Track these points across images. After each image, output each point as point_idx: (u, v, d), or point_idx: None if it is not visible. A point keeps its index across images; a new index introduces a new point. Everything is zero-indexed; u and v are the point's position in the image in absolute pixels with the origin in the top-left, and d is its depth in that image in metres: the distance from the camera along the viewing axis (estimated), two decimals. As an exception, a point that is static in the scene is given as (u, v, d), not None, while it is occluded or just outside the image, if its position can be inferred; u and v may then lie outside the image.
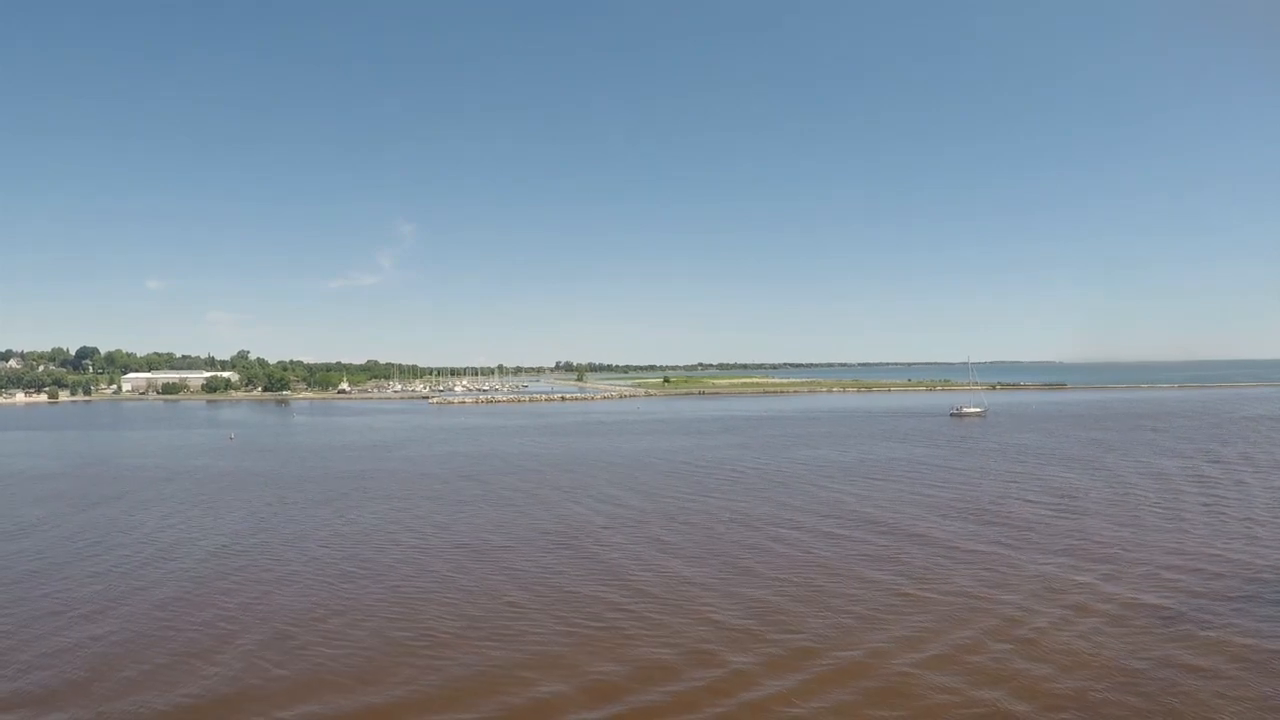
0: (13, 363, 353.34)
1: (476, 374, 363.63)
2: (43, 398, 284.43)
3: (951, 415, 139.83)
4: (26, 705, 25.11)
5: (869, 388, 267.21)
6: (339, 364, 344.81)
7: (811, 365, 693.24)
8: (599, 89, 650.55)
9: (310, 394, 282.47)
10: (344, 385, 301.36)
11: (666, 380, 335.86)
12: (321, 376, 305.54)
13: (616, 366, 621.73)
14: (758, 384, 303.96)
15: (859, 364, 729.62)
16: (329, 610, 33.67)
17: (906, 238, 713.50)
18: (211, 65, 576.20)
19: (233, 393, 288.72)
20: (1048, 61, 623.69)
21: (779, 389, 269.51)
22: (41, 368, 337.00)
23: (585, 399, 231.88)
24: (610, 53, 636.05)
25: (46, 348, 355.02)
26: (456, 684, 25.95)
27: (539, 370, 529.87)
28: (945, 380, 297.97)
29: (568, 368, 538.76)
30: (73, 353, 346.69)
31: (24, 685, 26.61)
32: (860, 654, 27.83)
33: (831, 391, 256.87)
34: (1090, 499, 57.34)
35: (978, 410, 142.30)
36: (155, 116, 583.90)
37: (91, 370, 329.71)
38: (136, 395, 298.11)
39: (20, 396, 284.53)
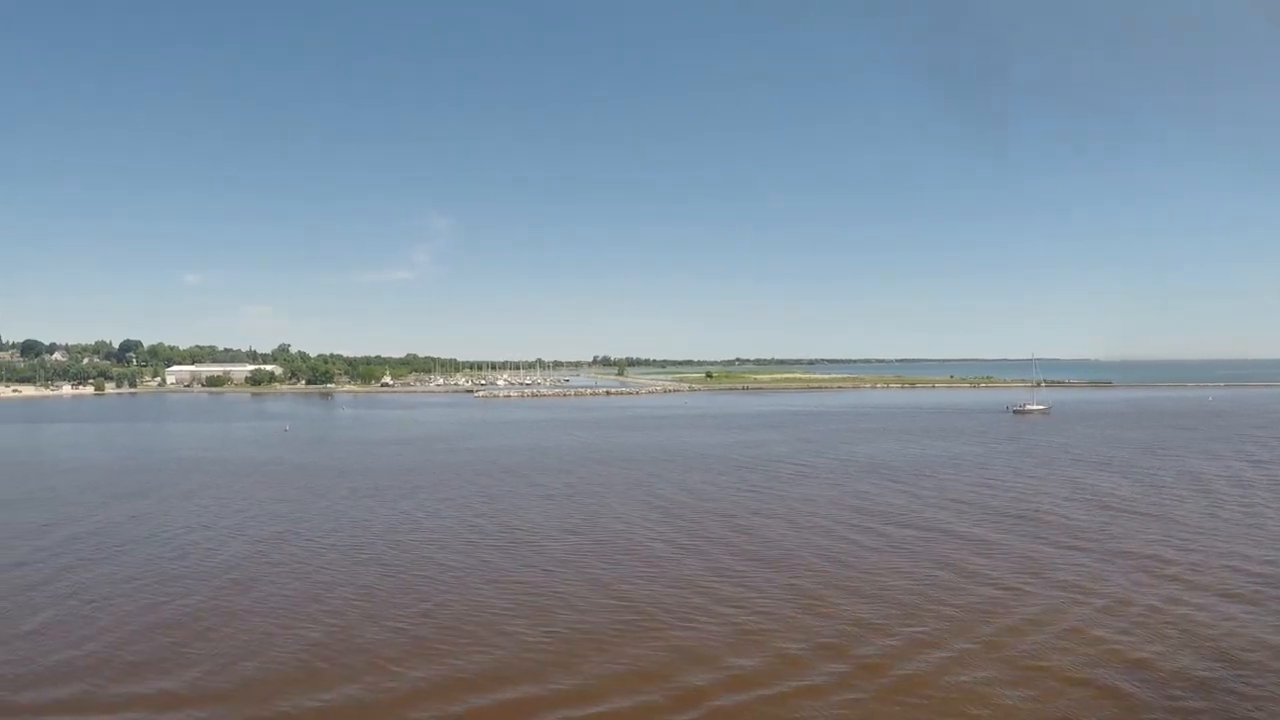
0: (57, 355, 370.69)
1: (517, 368, 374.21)
2: (89, 390, 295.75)
3: (1014, 412, 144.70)
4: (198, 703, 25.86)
5: (912, 384, 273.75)
6: (378, 357, 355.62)
7: (848, 361, 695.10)
8: (636, 84, 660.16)
9: (353, 387, 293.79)
10: (387, 378, 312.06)
11: (709, 375, 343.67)
12: (364, 370, 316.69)
13: (654, 361, 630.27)
14: (800, 379, 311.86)
15: (896, 360, 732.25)
16: (456, 605, 35.02)
17: (941, 235, 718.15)
18: (249, 60, 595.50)
19: (277, 386, 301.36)
20: (1097, 49, 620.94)
21: (822, 384, 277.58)
22: (86, 360, 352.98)
23: (629, 394, 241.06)
24: (643, 49, 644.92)
25: (90, 341, 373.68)
26: (591, 677, 27.07)
27: (577, 364, 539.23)
28: (987, 377, 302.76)
29: (605, 362, 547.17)
30: (116, 346, 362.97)
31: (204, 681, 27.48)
32: (976, 644, 29.41)
33: (875, 387, 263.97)
34: (1213, 492, 60.09)
35: (1041, 407, 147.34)
36: (190, 111, 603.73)
37: (135, 363, 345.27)
38: (181, 388, 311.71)
39: (67, 389, 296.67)
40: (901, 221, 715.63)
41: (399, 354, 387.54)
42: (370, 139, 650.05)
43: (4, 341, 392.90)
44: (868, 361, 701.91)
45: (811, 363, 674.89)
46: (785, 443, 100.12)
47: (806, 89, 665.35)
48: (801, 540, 46.29)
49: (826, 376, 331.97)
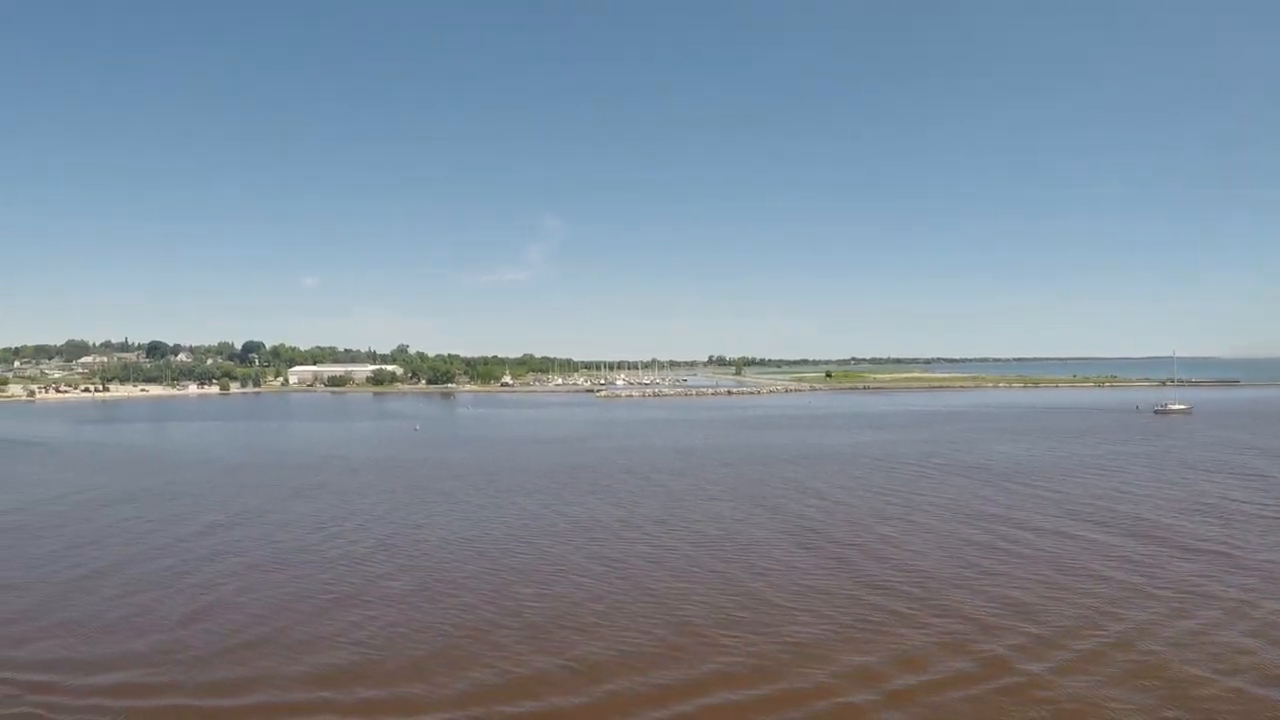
0: (182, 356, 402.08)
1: (633, 368, 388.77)
2: (214, 389, 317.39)
3: (1155, 412, 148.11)
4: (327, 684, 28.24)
5: (1035, 383, 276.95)
6: (495, 357, 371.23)
7: (964, 360, 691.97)
8: (748, 82, 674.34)
9: (474, 387, 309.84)
10: (507, 378, 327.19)
11: (829, 374, 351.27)
12: (484, 370, 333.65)
13: (769, 361, 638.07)
14: (920, 379, 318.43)
15: (1012, 359, 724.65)
16: (603, 601, 36.98)
17: (1061, 234, 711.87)
18: (365, 67, 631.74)
19: (398, 385, 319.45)
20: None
21: (942, 384, 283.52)
22: (210, 361, 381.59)
23: (750, 393, 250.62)
24: (755, 48, 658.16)
25: (213, 342, 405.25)
26: (726, 674, 28.57)
27: (692, 364, 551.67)
28: (1111, 376, 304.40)
29: (721, 361, 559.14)
30: (239, 347, 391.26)
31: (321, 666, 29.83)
32: (1109, 639, 30.83)
33: (997, 387, 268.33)
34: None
35: (1182, 407, 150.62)
36: (307, 116, 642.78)
37: (258, 363, 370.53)
38: (303, 387, 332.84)
39: (193, 388, 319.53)
40: (1019, 218, 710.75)
41: (515, 354, 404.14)
42: (483, 140, 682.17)
43: (130, 343, 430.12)
44: (984, 360, 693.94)
45: (928, 362, 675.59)
46: (926, 442, 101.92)
47: (943, 83, 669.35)
48: (959, 541, 47.47)
49: (946, 376, 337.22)
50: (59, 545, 51.25)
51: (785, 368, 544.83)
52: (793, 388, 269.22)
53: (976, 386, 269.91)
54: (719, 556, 45.02)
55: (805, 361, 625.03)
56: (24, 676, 29.52)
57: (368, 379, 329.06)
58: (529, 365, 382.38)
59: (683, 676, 28.34)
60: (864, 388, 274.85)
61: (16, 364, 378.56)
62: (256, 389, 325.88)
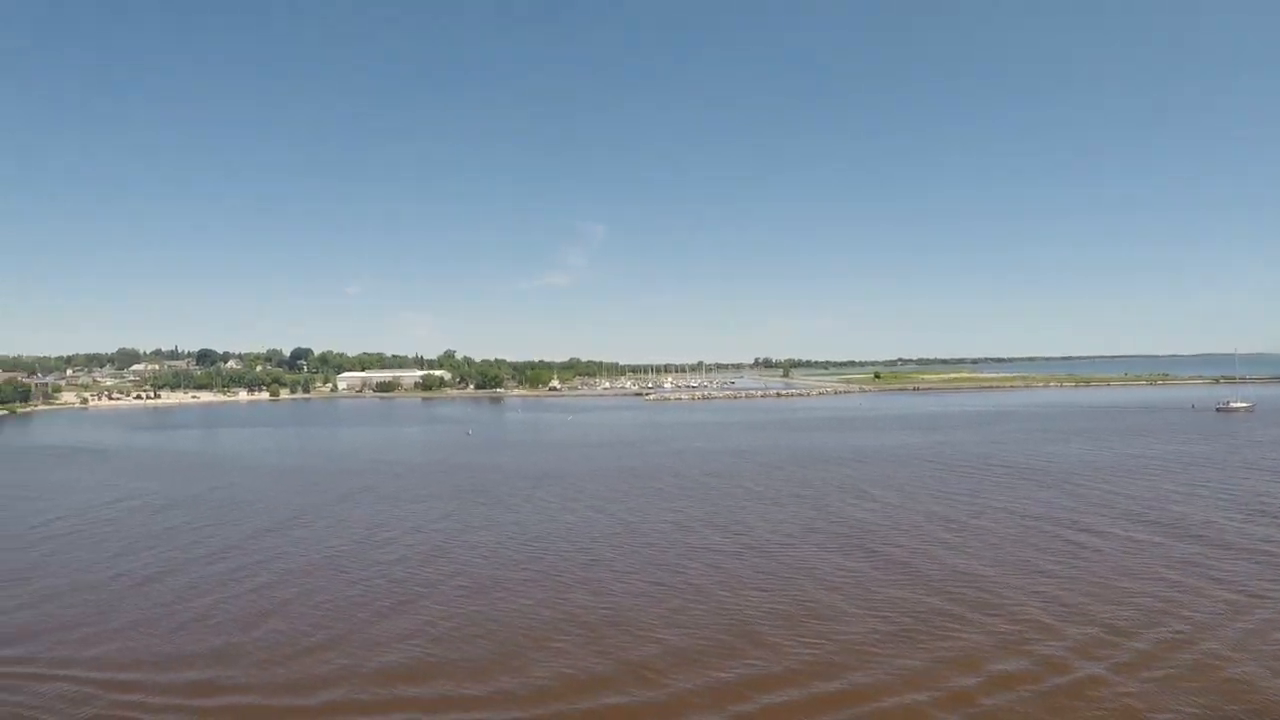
0: (232, 363, 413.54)
1: (679, 370, 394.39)
2: (264, 395, 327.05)
3: (1217, 410, 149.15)
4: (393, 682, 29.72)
5: (1085, 381, 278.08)
6: (541, 362, 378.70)
7: (1012, 359, 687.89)
8: (789, 84, 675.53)
9: (522, 391, 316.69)
10: (554, 383, 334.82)
11: (876, 376, 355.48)
12: (531, 374, 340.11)
13: (815, 362, 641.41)
14: (968, 379, 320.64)
15: (1060, 357, 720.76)
16: (671, 603, 38.14)
17: (1107, 231, 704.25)
18: (405, 70, 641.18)
19: (446, 390, 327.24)
20: None
21: (991, 384, 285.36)
22: (259, 368, 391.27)
23: (800, 395, 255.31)
24: (795, 51, 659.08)
25: (261, 349, 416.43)
26: (785, 675, 29.45)
27: (738, 366, 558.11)
28: (1163, 374, 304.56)
29: (767, 364, 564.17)
30: (287, 354, 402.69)
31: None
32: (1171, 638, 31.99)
33: (1047, 386, 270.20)
34: None
35: (1245, 405, 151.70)
36: (352, 125, 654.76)
37: (306, 370, 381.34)
38: (352, 393, 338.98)
39: (243, 394, 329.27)
40: (1066, 217, 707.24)
41: (561, 358, 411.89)
42: (521, 144, 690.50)
43: (181, 351, 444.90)
44: (1031, 359, 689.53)
45: (975, 362, 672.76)
46: (979, 444, 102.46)
47: (973, 80, 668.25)
48: (1016, 543, 48.35)
49: (994, 376, 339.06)
50: (120, 549, 53.98)
51: (832, 369, 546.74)
52: (841, 389, 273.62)
53: (1026, 386, 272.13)
54: (776, 559, 46.04)
55: (851, 363, 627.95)
56: (97, 675, 31.45)
57: (416, 384, 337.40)
58: (575, 369, 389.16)
59: (741, 677, 29.26)
60: (913, 389, 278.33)
61: (69, 372, 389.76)
62: (306, 395, 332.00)
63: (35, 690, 30.11)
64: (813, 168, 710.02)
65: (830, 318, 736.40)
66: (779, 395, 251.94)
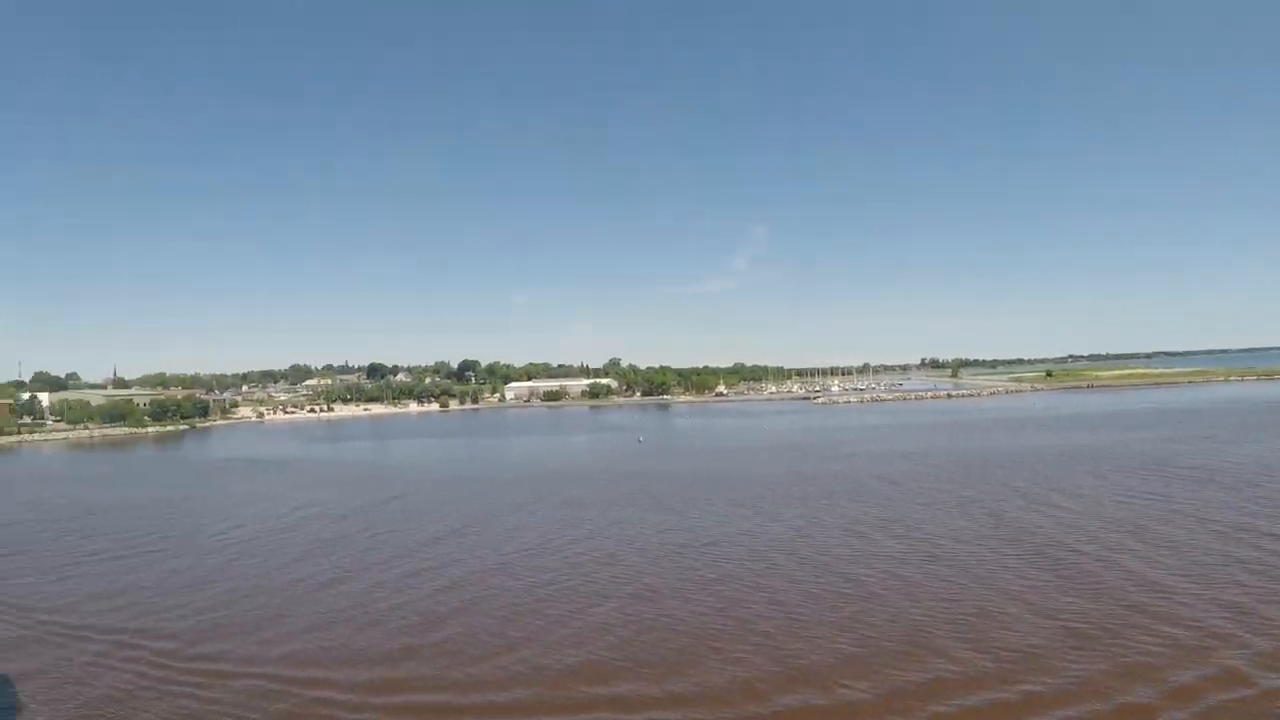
0: (401, 376, 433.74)
1: (846, 373, 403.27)
2: (434, 407, 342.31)
3: None
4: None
5: (1270, 375, 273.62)
6: (707, 367, 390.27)
7: (1188, 353, 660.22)
8: (951, 81, 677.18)
9: (689, 397, 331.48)
10: (721, 388, 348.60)
11: (1049, 374, 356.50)
12: (698, 380, 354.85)
13: (983, 361, 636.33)
14: (1145, 375, 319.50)
15: (1240, 349, 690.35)
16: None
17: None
18: (558, 80, 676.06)
19: (613, 398, 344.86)
20: None
21: (1169, 380, 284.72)
22: (428, 380, 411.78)
23: (970, 396, 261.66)
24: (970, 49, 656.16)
25: (429, 362, 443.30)
26: (958, 680, 29.92)
27: (904, 367, 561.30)
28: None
29: (934, 364, 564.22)
30: (455, 366, 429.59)
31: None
32: None
33: (1228, 380, 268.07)
34: None
35: None
36: (504, 133, 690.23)
37: (474, 381, 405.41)
38: (520, 403, 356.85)
39: (413, 406, 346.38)
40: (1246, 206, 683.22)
41: (725, 363, 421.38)
42: (683, 150, 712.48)
43: (351, 365, 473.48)
44: (1209, 352, 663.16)
45: (1149, 356, 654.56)
46: (1164, 443, 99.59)
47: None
48: (1217, 551, 46.58)
49: (1172, 371, 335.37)
50: (299, 555, 57.19)
51: (1000, 368, 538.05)
52: (1012, 388, 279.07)
53: (1205, 381, 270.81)
54: (952, 565, 45.90)
55: (1020, 360, 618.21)
56: (285, 672, 33.73)
57: (583, 393, 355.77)
58: (741, 374, 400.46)
59: (917, 684, 29.69)
60: (1088, 386, 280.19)
61: (245, 388, 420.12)
62: (475, 405, 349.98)
63: (228, 686, 32.53)
64: (970, 162, 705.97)
65: (997, 316, 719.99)
66: (949, 396, 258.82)
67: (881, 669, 31.09)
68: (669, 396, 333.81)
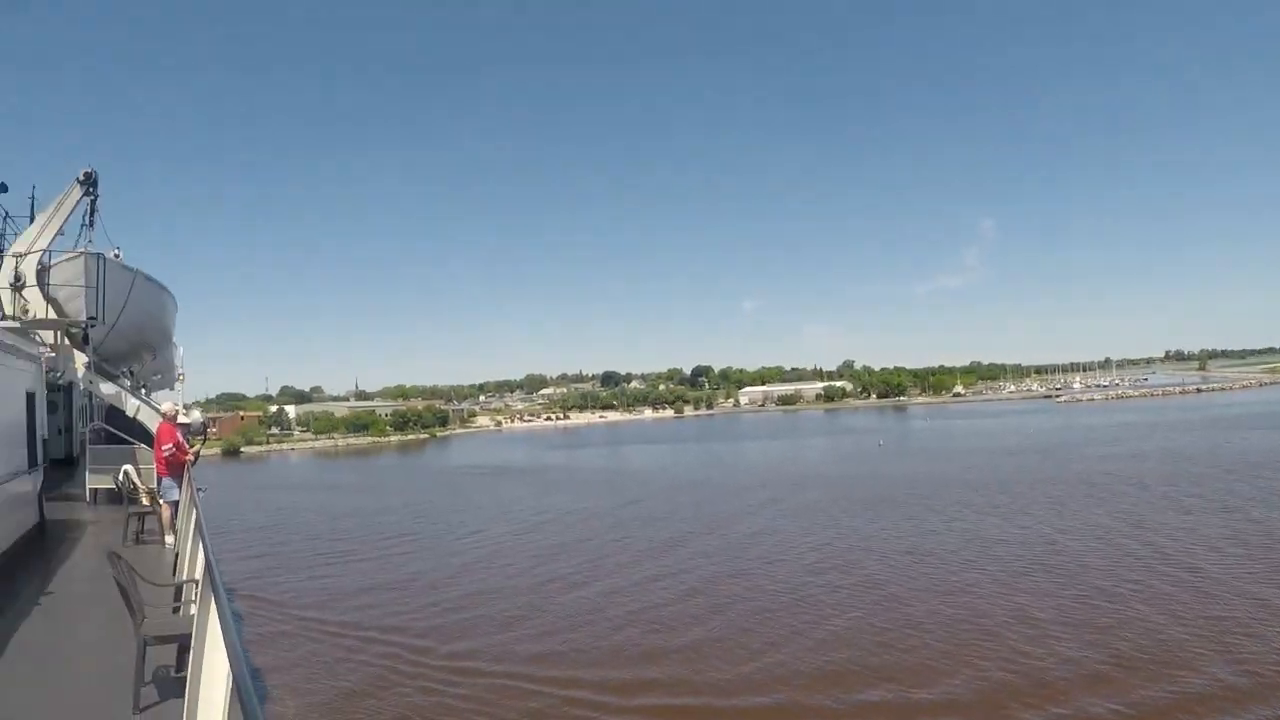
0: (634, 383, 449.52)
1: (1087, 369, 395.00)
2: (668, 413, 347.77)
3: None
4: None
5: None
6: (941, 367, 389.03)
7: None
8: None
9: (924, 398, 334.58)
10: (958, 388, 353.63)
11: None
12: (934, 380, 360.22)
13: (1231, 351, 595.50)
14: None
15: None
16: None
17: None
18: (805, 87, 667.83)
19: (849, 401, 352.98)
20: None
21: None
22: (662, 386, 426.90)
23: (1221, 389, 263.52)
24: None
25: (661, 368, 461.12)
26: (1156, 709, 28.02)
27: (1147, 360, 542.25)
28: None
29: (1179, 356, 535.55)
30: (687, 372, 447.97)
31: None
32: None
33: None
34: None
35: None
36: (730, 148, 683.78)
37: (707, 386, 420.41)
38: (754, 408, 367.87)
39: (648, 413, 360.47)
40: None
41: (960, 362, 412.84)
42: (907, 145, 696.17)
43: (585, 374, 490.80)
44: None
45: None
46: None
47: None
48: None
49: None
50: (541, 557, 58.73)
51: (1250, 359, 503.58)
52: (1267, 380, 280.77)
53: None
54: (1215, 579, 42.41)
55: (1270, 349, 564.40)
56: (535, 670, 34.34)
57: (817, 396, 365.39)
58: (977, 373, 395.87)
59: (1165, 702, 28.36)
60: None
61: (482, 398, 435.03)
62: (709, 411, 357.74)
63: (478, 684, 33.25)
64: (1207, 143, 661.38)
65: (1252, 300, 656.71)
66: (1198, 391, 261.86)
67: (1134, 688, 29.45)
68: (905, 398, 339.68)
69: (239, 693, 5.00)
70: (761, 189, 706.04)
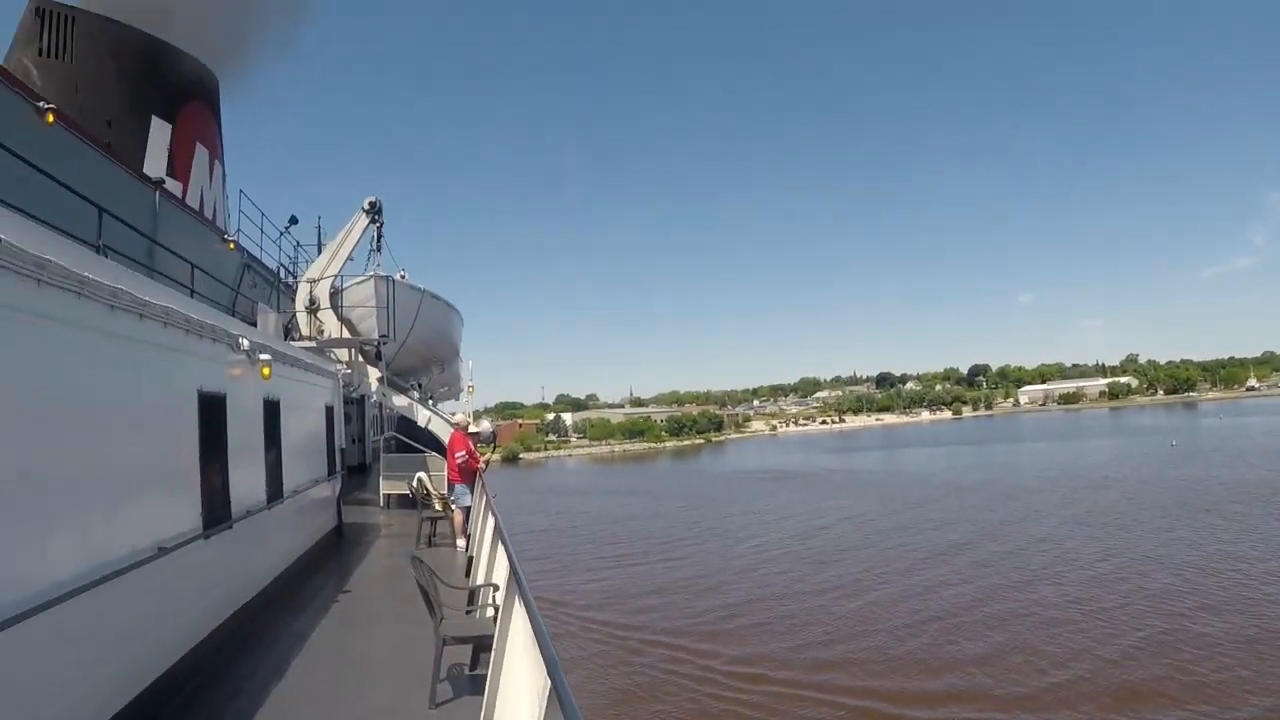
0: (910, 384, 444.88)
1: None
2: (945, 414, 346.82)
3: None
4: None
5: None
6: (1232, 359, 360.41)
7: None
8: None
9: (1215, 394, 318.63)
10: (1252, 381, 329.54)
11: None
12: (1226, 373, 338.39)
13: None
14: None
15: None
16: None
17: None
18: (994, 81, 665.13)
19: (1134, 398, 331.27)
20: None
21: None
22: (939, 387, 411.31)
23: None
24: None
25: (938, 369, 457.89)
26: None
27: None
28: None
29: None
30: (964, 371, 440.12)
31: None
32: None
33: None
34: None
35: None
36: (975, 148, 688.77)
37: (985, 386, 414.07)
38: (1035, 407, 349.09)
39: (925, 414, 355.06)
40: None
41: (1253, 351, 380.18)
42: (1192, 117, 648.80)
43: (859, 376, 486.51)
44: None
45: None
46: None
47: None
48: None
49: None
50: (816, 563, 58.60)
51: None
52: None
53: None
54: None
55: None
56: (813, 678, 35.40)
57: (1100, 394, 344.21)
58: (1271, 364, 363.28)
59: None
60: None
61: (756, 402, 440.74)
62: (988, 411, 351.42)
63: (767, 690, 33.99)
64: None
65: None
66: None
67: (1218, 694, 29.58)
68: (1194, 394, 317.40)
69: (558, 695, 5.26)
70: (1040, 185, 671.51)
